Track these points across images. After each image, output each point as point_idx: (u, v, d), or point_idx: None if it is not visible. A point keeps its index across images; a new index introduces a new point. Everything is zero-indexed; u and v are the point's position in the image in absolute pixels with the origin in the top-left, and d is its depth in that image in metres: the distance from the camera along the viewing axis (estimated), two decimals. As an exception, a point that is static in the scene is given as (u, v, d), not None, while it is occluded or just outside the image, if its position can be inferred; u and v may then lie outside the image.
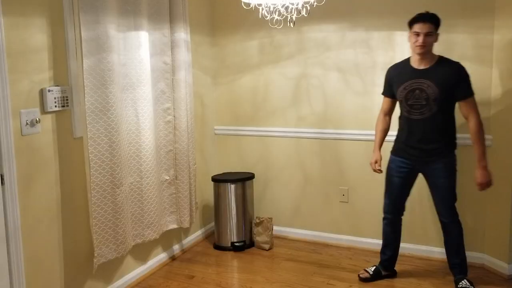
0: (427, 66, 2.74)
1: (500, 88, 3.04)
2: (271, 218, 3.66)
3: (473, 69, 3.11)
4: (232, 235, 3.65)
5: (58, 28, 2.43)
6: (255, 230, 3.67)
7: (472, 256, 3.27)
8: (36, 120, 2.31)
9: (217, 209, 3.69)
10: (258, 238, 3.66)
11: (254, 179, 3.78)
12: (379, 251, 3.20)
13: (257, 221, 3.66)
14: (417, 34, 2.68)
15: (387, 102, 3.02)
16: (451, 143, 2.84)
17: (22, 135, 2.26)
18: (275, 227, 3.78)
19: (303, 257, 3.47)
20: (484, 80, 3.10)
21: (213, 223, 3.87)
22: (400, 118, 2.95)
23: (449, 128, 2.80)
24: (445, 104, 2.73)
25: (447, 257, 2.97)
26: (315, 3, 2.57)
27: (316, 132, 3.65)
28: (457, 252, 2.92)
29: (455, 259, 2.93)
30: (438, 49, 3.10)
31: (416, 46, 2.69)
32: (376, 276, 3.09)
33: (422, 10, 3.18)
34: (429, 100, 2.72)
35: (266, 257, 3.52)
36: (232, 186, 3.62)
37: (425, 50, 2.69)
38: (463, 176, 3.23)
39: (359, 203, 3.58)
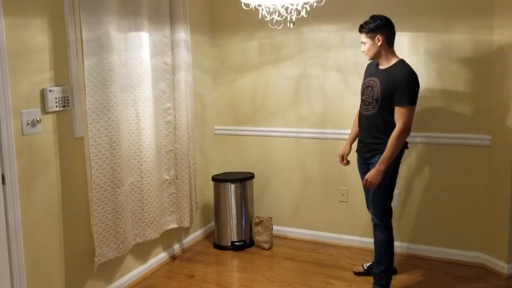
0: (383, 67, 2.80)
1: (499, 88, 3.05)
2: (271, 218, 3.67)
3: (472, 69, 3.13)
4: (232, 234, 3.66)
5: (59, 28, 2.44)
6: (255, 229, 3.68)
7: (471, 255, 3.28)
8: (37, 120, 2.32)
9: (217, 208, 3.70)
10: (258, 238, 3.67)
11: (254, 179, 3.79)
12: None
13: (257, 220, 3.67)
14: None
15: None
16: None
17: (23, 135, 2.27)
18: (275, 227, 3.79)
19: (303, 257, 3.48)
20: (483, 80, 3.11)
21: (213, 223, 3.89)
22: (358, 115, 3.04)
23: (389, 130, 2.73)
24: (385, 105, 2.74)
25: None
26: (315, 4, 2.58)
27: (316, 132, 3.66)
28: (378, 260, 2.89)
29: (375, 268, 2.90)
30: (437, 49, 3.11)
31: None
32: (369, 271, 3.12)
33: (421, 10, 3.20)
34: (373, 98, 2.80)
35: (266, 256, 3.53)
36: (232, 186, 3.63)
37: (367, 54, 2.82)
38: (464, 176, 3.24)
39: (359, 203, 3.59)
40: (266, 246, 3.63)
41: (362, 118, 2.92)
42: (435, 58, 3.18)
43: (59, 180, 2.50)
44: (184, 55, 3.26)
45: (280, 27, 2.83)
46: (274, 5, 2.58)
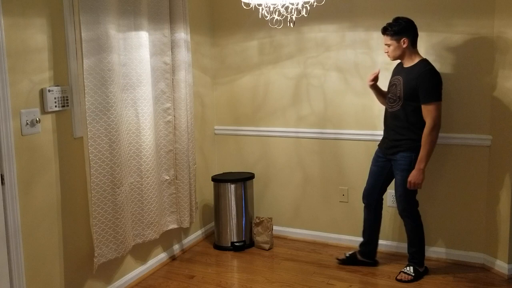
0: (407, 66, 2.94)
1: (500, 88, 3.04)
2: (271, 218, 3.66)
3: (473, 69, 3.13)
4: (232, 235, 3.65)
5: (58, 28, 2.43)
6: (255, 230, 3.67)
7: (472, 256, 3.27)
8: (36, 120, 2.32)
9: (217, 209, 3.69)
10: (258, 238, 3.66)
11: (254, 179, 3.78)
12: (379, 251, 3.22)
13: (257, 221, 3.66)
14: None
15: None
16: (413, 141, 2.91)
17: (22, 135, 2.26)
18: (275, 227, 3.79)
19: (303, 257, 3.48)
20: (484, 80, 3.11)
21: (213, 223, 3.88)
22: (384, 112, 3.16)
23: (412, 126, 2.90)
24: (408, 103, 2.88)
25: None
26: (315, 3, 2.57)
27: (316, 132, 3.65)
28: (410, 242, 3.10)
29: (409, 249, 3.12)
30: (438, 48, 3.11)
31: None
32: (350, 260, 3.27)
33: (421, 10, 3.20)
34: (397, 96, 2.93)
35: (266, 257, 3.52)
36: (232, 186, 3.63)
37: (391, 56, 2.95)
38: (464, 176, 3.24)
39: (359, 203, 3.57)
40: (266, 246, 3.63)
41: (387, 115, 3.06)
42: (435, 57, 3.17)
43: (59, 180, 2.49)
44: (184, 55, 3.26)
45: (280, 27, 2.83)
46: (274, 4, 2.57)
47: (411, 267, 3.07)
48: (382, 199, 3.21)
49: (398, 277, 3.06)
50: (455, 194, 3.27)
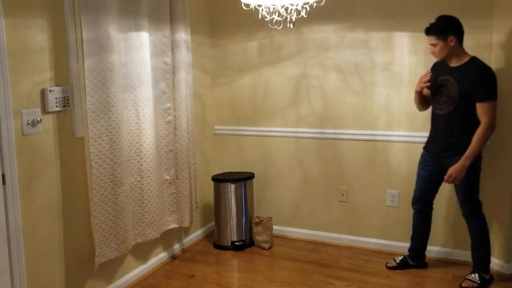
0: (456, 65, 2.83)
1: (499, 88, 3.04)
2: (271, 218, 3.67)
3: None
4: (232, 234, 3.66)
5: (59, 28, 2.44)
6: (255, 229, 3.68)
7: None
8: (37, 120, 2.33)
9: (217, 208, 3.70)
10: (258, 238, 3.67)
11: (254, 179, 3.79)
12: (379, 250, 3.21)
13: (257, 220, 3.67)
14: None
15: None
16: (470, 141, 2.79)
17: (23, 135, 2.27)
18: (275, 227, 3.79)
19: (303, 256, 3.49)
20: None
21: (213, 223, 3.89)
22: (431, 114, 3.04)
23: (467, 127, 2.79)
24: (464, 103, 2.78)
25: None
26: (315, 4, 2.58)
27: (315, 132, 3.66)
28: (475, 246, 2.97)
29: (474, 253, 3.00)
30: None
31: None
32: (403, 265, 3.20)
33: (420, 10, 3.21)
34: (449, 96, 2.82)
35: (266, 256, 3.53)
36: (232, 185, 3.64)
37: (439, 56, 2.84)
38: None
39: (359, 202, 3.59)
40: (266, 246, 3.64)
41: (437, 118, 2.94)
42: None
43: (59, 180, 2.50)
44: (184, 55, 3.27)
45: (280, 27, 2.84)
46: (274, 5, 2.58)
47: (477, 274, 2.94)
48: (433, 204, 3.14)
49: (463, 285, 2.93)
50: (455, 193, 3.27)
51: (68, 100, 2.50)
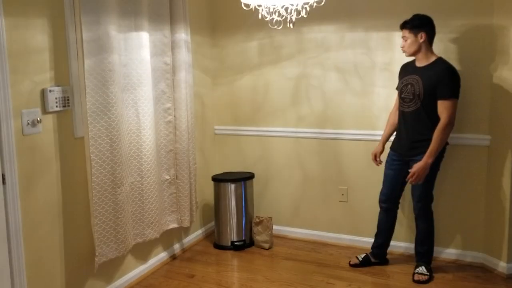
0: (422, 65, 2.93)
1: (499, 88, 3.05)
2: (270, 218, 3.67)
3: (472, 69, 3.13)
4: (232, 234, 3.67)
5: (59, 28, 2.44)
6: (255, 229, 3.68)
7: (471, 255, 3.29)
8: (37, 120, 2.33)
9: (217, 208, 3.70)
10: (258, 237, 3.67)
11: (254, 179, 3.79)
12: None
13: (257, 220, 3.67)
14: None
15: (397, 97, 3.14)
16: None
17: (23, 135, 2.28)
18: (274, 227, 3.80)
19: (303, 256, 3.49)
20: (483, 80, 3.11)
21: (213, 223, 3.89)
22: (398, 113, 3.12)
23: (433, 126, 2.87)
24: (429, 100, 2.86)
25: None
26: (315, 4, 2.58)
27: (315, 132, 3.66)
28: (421, 241, 3.11)
29: (419, 247, 3.13)
30: (437, 48, 3.12)
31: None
32: (365, 262, 3.27)
33: (420, 10, 3.20)
34: (415, 94, 2.91)
35: (266, 256, 3.53)
36: (232, 185, 3.64)
37: (408, 51, 2.94)
38: (463, 176, 3.25)
39: (359, 202, 3.60)
40: (266, 246, 3.64)
41: (404, 115, 3.01)
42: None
43: (59, 180, 2.50)
44: (184, 55, 3.27)
45: (280, 28, 2.84)
46: (274, 5, 2.58)
47: (423, 267, 3.06)
48: (399, 202, 3.21)
49: (415, 278, 3.02)
50: (454, 194, 3.28)
51: (68, 100, 2.50)
